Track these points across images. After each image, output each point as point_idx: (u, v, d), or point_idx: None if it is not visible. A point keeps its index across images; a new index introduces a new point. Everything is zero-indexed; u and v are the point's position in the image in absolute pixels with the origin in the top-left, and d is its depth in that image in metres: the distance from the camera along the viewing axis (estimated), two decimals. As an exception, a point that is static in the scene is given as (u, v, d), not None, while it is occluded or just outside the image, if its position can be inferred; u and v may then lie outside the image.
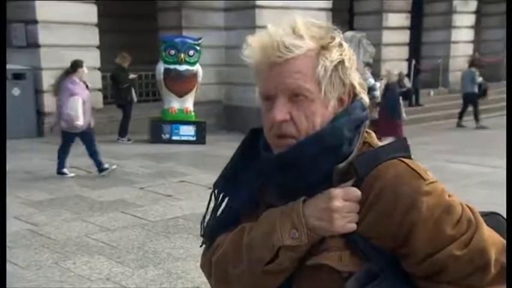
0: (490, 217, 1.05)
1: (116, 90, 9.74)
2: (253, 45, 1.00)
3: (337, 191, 0.95)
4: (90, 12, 10.14)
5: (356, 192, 0.95)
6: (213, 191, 1.11)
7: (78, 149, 8.64)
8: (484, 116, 13.05)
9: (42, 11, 9.62)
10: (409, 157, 1.00)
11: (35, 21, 9.65)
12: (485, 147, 9.21)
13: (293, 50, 0.96)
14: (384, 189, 0.94)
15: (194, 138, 9.59)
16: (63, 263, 4.01)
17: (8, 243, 4.39)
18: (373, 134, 1.06)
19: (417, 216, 0.92)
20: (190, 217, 5.00)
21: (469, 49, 16.96)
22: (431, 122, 13.39)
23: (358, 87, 1.02)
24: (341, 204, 0.94)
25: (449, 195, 0.96)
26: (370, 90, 10.54)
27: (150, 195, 5.99)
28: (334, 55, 0.98)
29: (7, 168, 7.10)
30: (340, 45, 1.00)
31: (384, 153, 0.98)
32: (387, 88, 9.84)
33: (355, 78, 1.02)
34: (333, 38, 1.00)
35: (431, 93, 15.47)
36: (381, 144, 1.03)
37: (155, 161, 7.95)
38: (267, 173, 1.01)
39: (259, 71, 1.00)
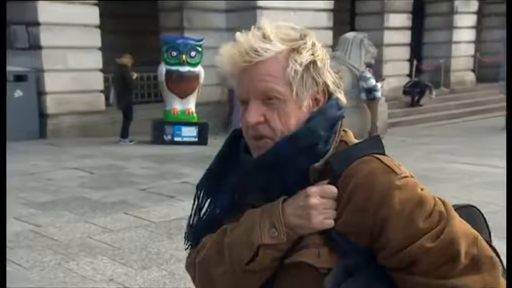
0: (465, 209, 1.07)
1: (122, 91, 9.59)
2: (224, 52, 1.02)
3: (313, 189, 0.97)
4: (92, 14, 10.17)
5: (332, 189, 0.97)
6: (196, 193, 1.13)
7: (79, 150, 8.68)
8: (483, 116, 13.06)
9: (44, 13, 9.65)
10: (383, 153, 1.01)
11: (37, 23, 9.68)
12: (486, 147, 9.21)
13: (262, 53, 0.98)
14: (357, 186, 0.96)
15: (196, 139, 9.60)
16: (66, 264, 4.03)
17: (11, 245, 4.41)
18: (350, 133, 1.07)
19: (389, 211, 0.94)
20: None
21: (470, 49, 16.97)
22: (432, 122, 13.41)
23: (332, 86, 1.04)
24: (318, 201, 0.96)
25: (421, 189, 0.98)
26: (372, 90, 10.55)
27: (153, 196, 6.01)
28: (305, 56, 1.00)
29: (9, 169, 7.13)
30: (313, 45, 1.01)
31: (358, 150, 1.00)
32: None
33: (328, 77, 1.03)
34: (304, 40, 1.01)
35: (433, 93, 15.47)
36: (356, 142, 1.05)
37: (157, 162, 7.97)
38: (247, 175, 1.03)
39: (233, 77, 1.02)
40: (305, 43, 1.01)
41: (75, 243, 4.47)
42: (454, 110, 14.60)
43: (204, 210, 1.12)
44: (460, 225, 0.96)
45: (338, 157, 0.99)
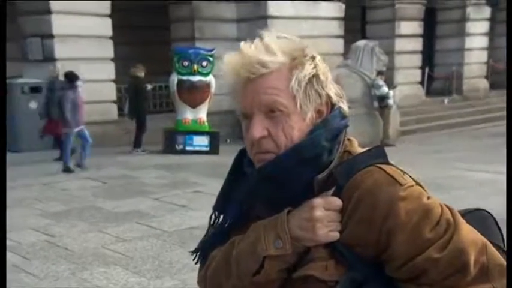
0: (475, 213, 1.06)
1: (136, 102, 9.64)
2: (226, 65, 1.02)
3: (318, 201, 0.96)
4: (105, 26, 10.29)
5: (337, 202, 0.96)
6: (212, 213, 1.14)
7: (93, 160, 8.74)
8: (497, 123, 12.92)
9: (58, 25, 9.79)
10: (387, 163, 1.00)
11: (51, 36, 9.82)
12: (500, 155, 9.11)
13: (265, 66, 0.97)
14: (361, 198, 0.95)
15: (208, 149, 9.63)
16: (80, 274, 4.05)
17: (25, 255, 4.45)
18: (355, 142, 1.07)
19: (395, 223, 0.93)
20: (205, 227, 4.97)
21: (483, 56, 16.85)
22: (445, 129, 13.30)
23: (335, 98, 1.03)
24: (322, 214, 0.96)
25: (428, 198, 0.97)
26: (384, 98, 10.52)
27: (165, 205, 6.03)
28: (307, 69, 0.99)
29: (24, 180, 7.20)
30: (313, 58, 1.01)
31: (361, 161, 0.99)
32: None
33: (331, 89, 1.03)
34: (305, 52, 1.01)
35: (446, 101, 15.36)
36: (361, 151, 1.04)
37: (169, 171, 8.00)
38: (252, 187, 1.03)
39: (235, 90, 1.02)
40: (306, 55, 1.01)
41: (88, 252, 4.49)
42: (467, 117, 14.46)
43: (215, 227, 1.13)
44: (468, 233, 0.95)
45: (341, 168, 0.99)
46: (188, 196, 6.42)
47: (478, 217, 1.04)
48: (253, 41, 1.01)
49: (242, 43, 1.02)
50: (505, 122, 13.62)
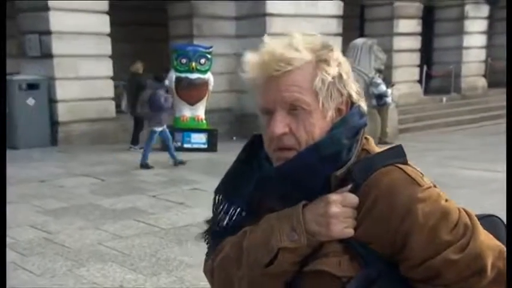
0: (487, 219, 1.06)
1: (136, 100, 9.60)
2: (251, 60, 1.02)
3: (335, 197, 0.97)
4: (103, 22, 10.26)
5: (354, 199, 0.97)
6: (215, 197, 1.13)
7: (90, 157, 8.73)
8: (495, 121, 12.94)
9: (56, 22, 9.76)
10: (406, 163, 1.01)
11: (49, 32, 9.79)
12: (498, 153, 9.12)
13: (290, 63, 0.98)
14: (379, 197, 0.95)
15: (206, 146, 9.62)
16: (77, 271, 4.04)
17: (22, 251, 4.45)
18: (372, 140, 1.07)
19: (413, 224, 0.93)
20: (202, 225, 4.95)
21: (481, 55, 16.86)
22: (443, 128, 13.31)
23: (355, 97, 1.04)
24: (339, 210, 0.96)
25: (446, 200, 0.97)
26: (382, 96, 10.52)
27: (163, 202, 6.02)
28: (332, 69, 1.00)
29: (22, 176, 7.19)
30: (338, 58, 1.02)
31: (381, 159, 1.00)
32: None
33: (352, 88, 1.04)
34: (331, 51, 1.01)
35: (444, 99, 15.37)
36: (378, 150, 1.04)
37: (167, 169, 7.99)
38: (266, 182, 1.03)
39: (257, 86, 1.02)
40: (332, 54, 1.01)
41: (85, 249, 4.49)
42: (466, 115, 14.48)
43: (221, 215, 1.12)
44: (486, 238, 0.96)
45: (360, 165, 0.99)
46: (186, 193, 6.41)
47: (489, 223, 1.04)
48: (280, 38, 1.02)
49: (266, 38, 1.02)
50: (503, 120, 13.65)
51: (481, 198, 5.76)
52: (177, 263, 4.17)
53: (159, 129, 8.04)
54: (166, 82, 8.39)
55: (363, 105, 1.06)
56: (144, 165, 7.86)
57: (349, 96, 1.03)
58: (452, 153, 9.39)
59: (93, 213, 5.61)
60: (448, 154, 9.28)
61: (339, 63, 1.01)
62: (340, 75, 1.01)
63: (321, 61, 1.00)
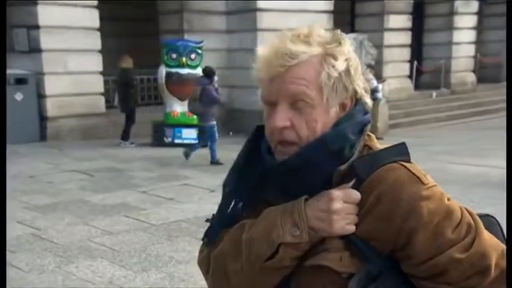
0: (483, 219, 1.05)
1: (126, 95, 9.57)
2: (260, 53, 1.01)
3: (337, 193, 0.96)
4: (92, 17, 10.17)
5: (356, 195, 0.96)
6: (224, 190, 1.12)
7: (80, 153, 8.67)
8: (484, 117, 13.04)
9: (44, 16, 9.65)
10: (409, 161, 1.00)
11: (37, 27, 9.68)
12: (487, 148, 9.19)
13: (297, 56, 0.97)
14: (383, 194, 0.95)
15: (196, 142, 9.59)
16: (65, 267, 4.02)
17: (11, 248, 4.40)
18: (373, 137, 1.06)
19: (417, 222, 0.93)
20: (193, 220, 5.00)
21: (471, 50, 16.95)
22: (433, 123, 13.39)
23: (360, 92, 1.03)
24: (341, 206, 0.95)
25: (448, 199, 0.97)
26: (373, 91, 10.54)
27: (153, 198, 6.00)
28: (340, 63, 0.99)
29: (10, 172, 7.11)
30: (348, 52, 1.01)
31: (385, 156, 0.99)
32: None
33: (358, 84, 1.02)
34: (340, 45, 1.00)
35: (434, 94, 15.45)
36: (380, 147, 1.04)
37: (158, 164, 7.96)
38: (268, 175, 1.02)
39: (262, 78, 1.01)
40: (341, 49, 1.00)
41: (74, 246, 4.46)
42: (455, 111, 14.59)
43: (225, 207, 1.11)
44: (489, 238, 0.97)
45: (363, 161, 0.98)
46: (176, 189, 6.39)
47: (486, 223, 1.04)
48: (289, 31, 1.01)
49: (275, 33, 1.01)
50: (491, 115, 13.77)
51: (469, 192, 5.80)
52: (167, 259, 4.15)
53: (215, 122, 8.04)
54: (216, 78, 8.31)
55: (368, 101, 1.05)
56: (215, 162, 7.71)
57: (355, 91, 1.02)
58: (441, 148, 9.45)
59: (82, 209, 5.58)
60: (438, 149, 9.34)
61: (347, 58, 1.00)
62: (347, 71, 1.00)
63: (328, 55, 0.98)
